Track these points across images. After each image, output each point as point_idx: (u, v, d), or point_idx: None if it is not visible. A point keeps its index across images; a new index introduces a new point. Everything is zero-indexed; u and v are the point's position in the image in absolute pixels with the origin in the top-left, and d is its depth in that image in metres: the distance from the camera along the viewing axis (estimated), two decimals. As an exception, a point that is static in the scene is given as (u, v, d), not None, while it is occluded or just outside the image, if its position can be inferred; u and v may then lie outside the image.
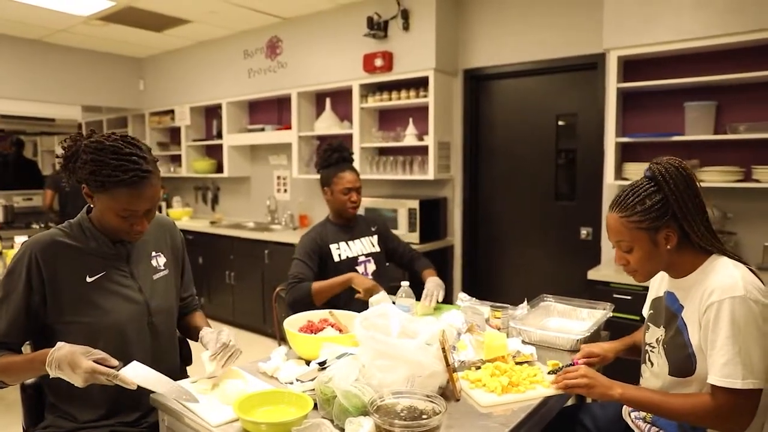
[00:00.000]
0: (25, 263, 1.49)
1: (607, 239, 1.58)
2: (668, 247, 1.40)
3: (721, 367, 1.31)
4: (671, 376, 1.45)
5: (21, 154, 7.99)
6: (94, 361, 1.33)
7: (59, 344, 1.37)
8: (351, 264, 2.61)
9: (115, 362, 1.36)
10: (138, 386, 1.36)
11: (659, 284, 1.61)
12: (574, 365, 1.62)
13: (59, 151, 1.62)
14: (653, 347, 1.53)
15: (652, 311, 1.60)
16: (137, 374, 1.37)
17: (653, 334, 1.55)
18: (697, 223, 1.38)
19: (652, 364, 1.53)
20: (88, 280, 1.54)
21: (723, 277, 1.35)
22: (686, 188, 1.37)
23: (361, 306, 2.12)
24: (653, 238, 1.40)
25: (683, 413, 1.37)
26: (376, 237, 2.76)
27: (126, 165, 1.43)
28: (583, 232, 3.73)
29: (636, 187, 1.43)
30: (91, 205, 1.55)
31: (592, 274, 3.05)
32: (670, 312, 1.49)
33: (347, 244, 2.65)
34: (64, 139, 1.54)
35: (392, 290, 2.35)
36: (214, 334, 1.62)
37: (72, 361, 1.32)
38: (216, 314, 5.23)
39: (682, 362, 1.42)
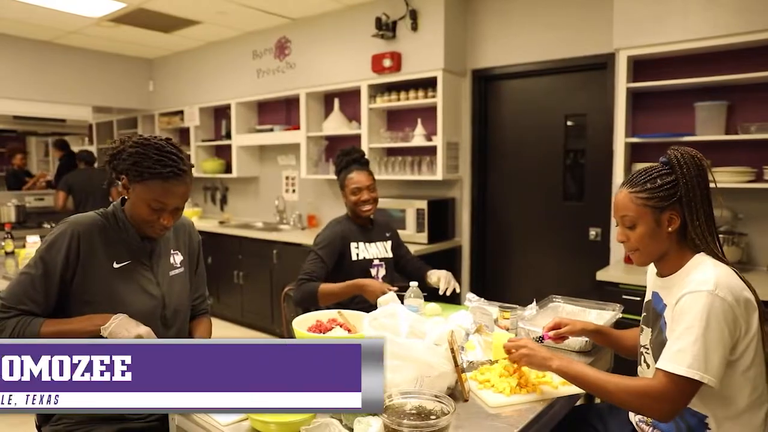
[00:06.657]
0: (67, 238, 1.54)
1: (616, 241, 1.59)
2: (670, 229, 1.42)
3: (673, 353, 1.31)
4: None
5: (71, 155, 6.42)
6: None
7: (115, 317, 1.49)
8: (365, 265, 2.63)
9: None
10: None
11: (650, 287, 1.62)
12: (543, 339, 1.73)
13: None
14: (647, 349, 1.54)
15: (645, 314, 1.62)
16: None
17: (646, 336, 1.56)
18: (699, 214, 1.40)
19: (648, 366, 1.54)
20: (115, 266, 1.60)
21: (698, 274, 1.36)
22: (698, 176, 1.40)
23: (369, 306, 2.12)
24: (657, 217, 1.42)
25: (612, 389, 1.37)
26: (390, 243, 2.79)
27: (165, 161, 1.53)
28: (592, 232, 3.72)
29: (650, 167, 1.47)
30: (125, 197, 1.62)
31: (601, 275, 3.04)
32: (656, 312, 1.51)
33: (365, 245, 2.68)
34: (112, 141, 1.63)
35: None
36: None
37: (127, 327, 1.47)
38: (225, 314, 5.26)
39: None
